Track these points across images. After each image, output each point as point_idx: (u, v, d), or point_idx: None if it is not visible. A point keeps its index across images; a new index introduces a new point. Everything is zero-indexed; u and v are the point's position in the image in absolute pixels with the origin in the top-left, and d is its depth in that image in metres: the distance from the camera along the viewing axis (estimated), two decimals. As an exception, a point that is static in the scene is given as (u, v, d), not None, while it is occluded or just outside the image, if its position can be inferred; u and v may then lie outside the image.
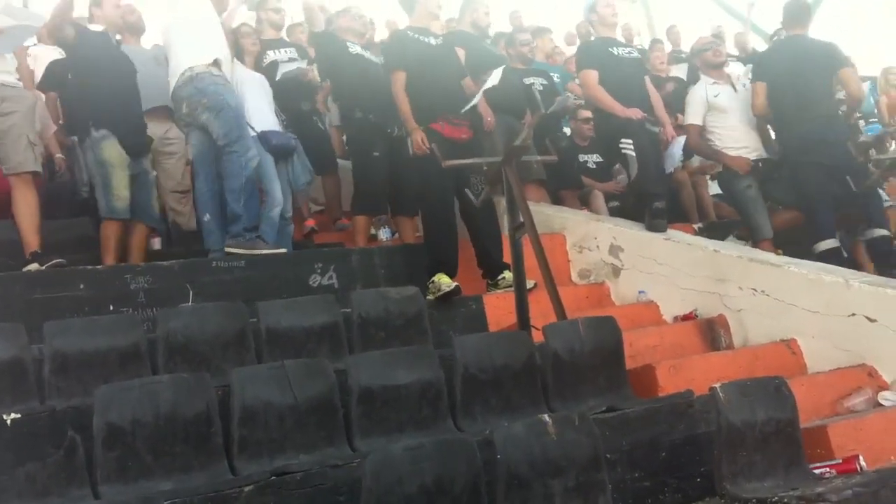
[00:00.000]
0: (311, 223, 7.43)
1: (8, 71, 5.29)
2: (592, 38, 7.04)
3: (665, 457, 3.79)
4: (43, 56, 7.72)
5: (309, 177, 6.69)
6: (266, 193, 6.13)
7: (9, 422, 3.14)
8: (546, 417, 3.38)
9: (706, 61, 6.99)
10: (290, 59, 7.25)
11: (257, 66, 6.89)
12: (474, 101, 5.81)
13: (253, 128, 6.08)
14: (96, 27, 5.90)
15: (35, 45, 8.47)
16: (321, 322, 4.59)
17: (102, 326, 4.16)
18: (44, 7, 5.86)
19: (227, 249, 5.50)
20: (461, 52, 6.32)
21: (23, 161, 5.23)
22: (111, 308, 4.82)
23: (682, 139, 7.29)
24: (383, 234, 6.80)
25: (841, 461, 3.80)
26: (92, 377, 3.86)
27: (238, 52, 6.42)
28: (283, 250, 5.72)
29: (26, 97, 5.38)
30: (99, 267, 5.18)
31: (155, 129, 6.38)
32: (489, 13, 7.53)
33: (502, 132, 6.57)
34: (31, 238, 5.21)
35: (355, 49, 6.60)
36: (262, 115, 6.24)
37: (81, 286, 4.85)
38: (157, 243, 6.35)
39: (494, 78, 5.57)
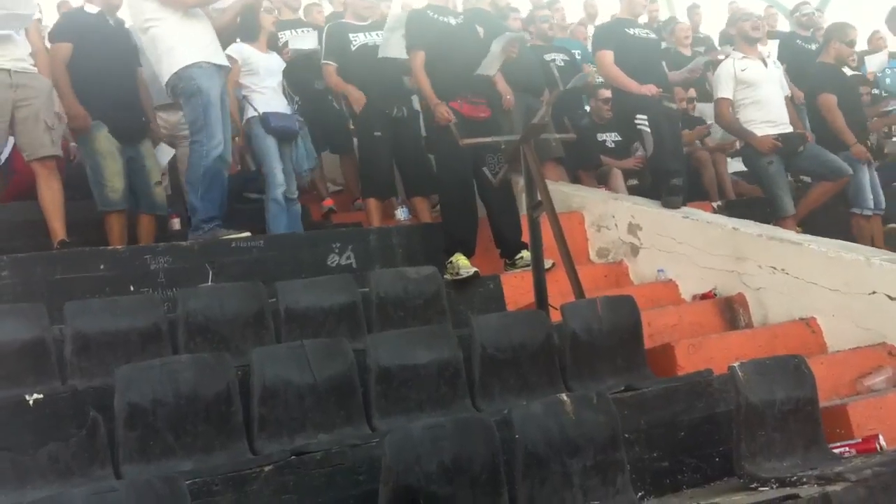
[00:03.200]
0: (329, 203, 7.44)
1: (21, 57, 5.27)
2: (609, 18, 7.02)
3: (684, 436, 3.79)
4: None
5: (312, 163, 6.65)
6: (266, 176, 6.12)
7: (31, 402, 3.17)
8: (564, 397, 3.38)
9: (743, 32, 6.97)
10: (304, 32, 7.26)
11: (272, 46, 6.90)
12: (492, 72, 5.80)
13: (256, 109, 6.12)
14: (92, 8, 5.77)
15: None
16: (340, 302, 4.60)
17: (123, 307, 4.18)
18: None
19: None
20: (482, 31, 6.29)
21: (41, 146, 5.25)
22: (132, 288, 4.86)
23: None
24: (401, 214, 6.80)
25: (861, 441, 3.79)
26: (113, 357, 3.90)
27: (255, 29, 6.37)
28: (246, 234, 5.52)
29: (42, 82, 5.37)
30: (119, 248, 5.21)
31: (169, 116, 6.40)
32: None
33: (520, 111, 6.56)
34: (57, 226, 5.24)
35: (358, 41, 6.52)
36: (266, 97, 6.23)
37: (102, 267, 4.88)
38: (176, 223, 6.37)
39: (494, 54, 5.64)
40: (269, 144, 6.15)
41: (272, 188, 6.08)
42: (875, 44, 10.12)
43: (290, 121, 6.33)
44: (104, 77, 5.58)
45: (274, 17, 6.66)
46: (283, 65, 6.62)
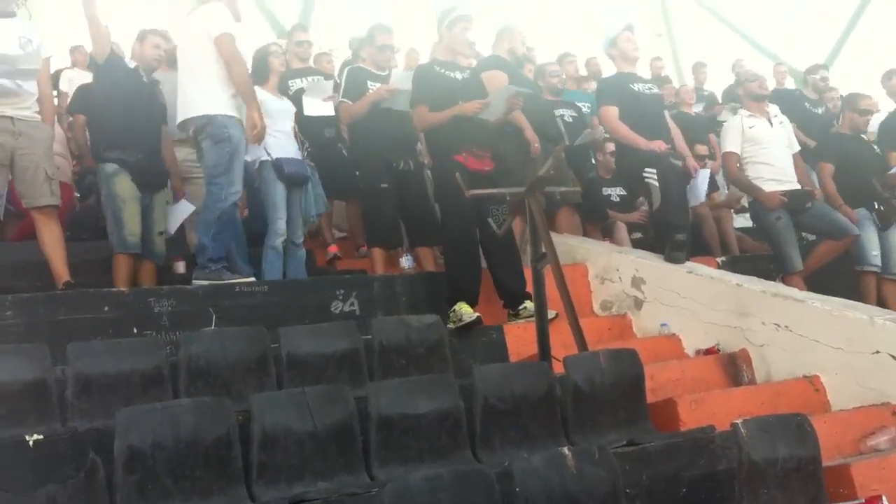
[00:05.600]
0: (333, 249, 7.45)
1: (26, 106, 5.33)
2: (612, 74, 7.07)
3: (685, 492, 3.76)
4: (77, 79, 7.86)
5: (322, 208, 6.64)
6: (269, 223, 6.13)
7: (31, 443, 3.17)
8: (566, 450, 3.37)
9: (750, 91, 7.09)
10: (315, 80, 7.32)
11: (282, 92, 6.97)
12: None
13: (269, 154, 6.13)
14: (131, 62, 6.02)
15: (70, 68, 8.66)
16: (342, 348, 4.60)
17: (126, 349, 4.19)
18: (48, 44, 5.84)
19: (195, 281, 5.49)
20: (502, 76, 6.34)
21: (41, 195, 5.30)
22: (135, 330, 4.87)
23: (705, 172, 7.33)
24: (405, 263, 6.81)
25: (864, 501, 3.76)
26: (114, 399, 3.89)
27: (264, 72, 6.42)
28: (251, 279, 5.61)
29: (44, 131, 5.44)
30: (123, 290, 5.23)
31: (179, 153, 6.45)
32: (525, 43, 7.62)
33: (543, 159, 6.61)
34: (60, 270, 5.27)
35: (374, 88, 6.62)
36: (279, 141, 6.25)
37: (106, 308, 4.89)
38: (181, 267, 6.39)
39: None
40: (279, 191, 6.16)
41: (272, 236, 6.09)
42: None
43: (302, 166, 6.37)
44: (131, 127, 5.69)
45: (281, 59, 6.71)
46: (294, 109, 6.68)
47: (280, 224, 6.13)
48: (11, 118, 5.22)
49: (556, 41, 13.52)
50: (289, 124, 6.45)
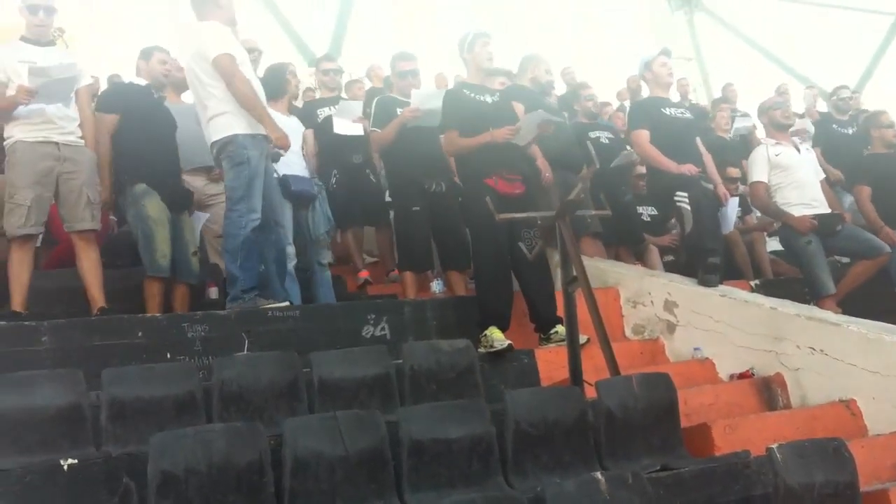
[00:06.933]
0: (364, 274, 7.48)
1: (70, 130, 5.43)
2: (644, 97, 7.07)
3: (720, 519, 3.72)
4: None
5: (328, 226, 6.59)
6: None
7: (66, 467, 3.20)
8: (599, 475, 3.34)
9: (773, 120, 7.06)
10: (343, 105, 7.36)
11: (310, 120, 7.03)
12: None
13: (276, 171, 6.07)
14: (140, 81, 6.04)
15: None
16: (373, 373, 4.59)
17: (159, 374, 4.21)
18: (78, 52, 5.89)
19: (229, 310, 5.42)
20: (519, 107, 6.37)
21: (82, 219, 5.41)
22: (168, 356, 4.89)
23: (734, 202, 7.28)
24: (436, 287, 6.82)
25: (904, 528, 3.70)
26: (148, 424, 3.90)
27: (281, 90, 6.44)
28: (285, 304, 5.53)
29: (88, 155, 5.53)
30: (157, 315, 5.27)
31: (196, 181, 6.50)
32: (550, 71, 7.65)
33: (558, 187, 6.61)
34: (96, 294, 5.36)
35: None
36: (286, 159, 6.17)
37: (140, 334, 4.93)
38: (213, 293, 6.43)
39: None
40: (286, 213, 6.15)
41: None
42: None
43: (309, 184, 6.37)
44: (153, 146, 5.74)
45: (297, 80, 6.72)
46: (303, 127, 6.69)
47: (290, 248, 6.11)
48: (57, 143, 5.35)
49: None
50: (297, 143, 6.41)
